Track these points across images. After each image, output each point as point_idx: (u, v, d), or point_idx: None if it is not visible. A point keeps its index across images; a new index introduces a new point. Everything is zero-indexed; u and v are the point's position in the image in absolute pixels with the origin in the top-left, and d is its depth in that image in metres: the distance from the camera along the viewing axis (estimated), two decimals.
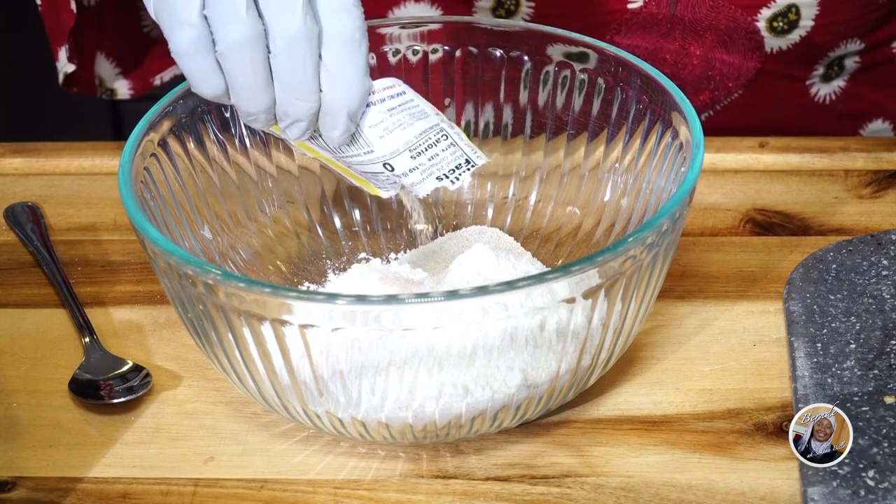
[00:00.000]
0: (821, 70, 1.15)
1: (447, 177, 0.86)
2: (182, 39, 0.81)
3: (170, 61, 1.17)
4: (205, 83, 0.83)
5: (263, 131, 0.87)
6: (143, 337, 0.94)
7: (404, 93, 0.87)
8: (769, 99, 1.16)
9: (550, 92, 0.97)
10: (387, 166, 0.86)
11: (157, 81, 1.20)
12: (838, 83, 1.16)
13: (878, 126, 1.20)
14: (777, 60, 1.13)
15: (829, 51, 1.14)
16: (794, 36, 1.12)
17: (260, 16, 0.80)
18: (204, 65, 0.82)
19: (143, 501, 0.83)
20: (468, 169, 0.87)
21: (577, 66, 0.95)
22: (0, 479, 0.85)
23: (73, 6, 1.10)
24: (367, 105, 0.85)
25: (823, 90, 1.16)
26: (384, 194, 0.89)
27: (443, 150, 0.86)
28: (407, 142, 0.86)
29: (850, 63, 1.16)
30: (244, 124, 0.95)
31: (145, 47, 1.19)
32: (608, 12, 1.10)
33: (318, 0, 0.81)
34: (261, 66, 0.81)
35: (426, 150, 0.86)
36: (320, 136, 0.86)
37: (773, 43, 1.12)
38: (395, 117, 0.86)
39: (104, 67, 1.18)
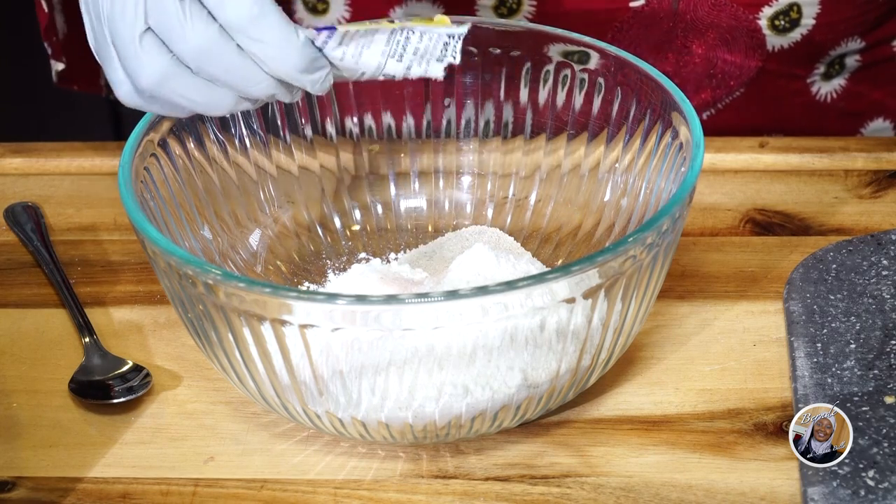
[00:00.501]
0: (822, 68, 1.15)
1: (443, 59, 0.85)
2: (120, 94, 0.83)
3: None
4: (171, 114, 0.85)
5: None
6: (143, 337, 0.94)
7: (335, 27, 0.85)
8: (771, 97, 1.16)
9: (550, 92, 0.97)
10: (384, 75, 0.85)
11: None
12: (839, 81, 1.16)
13: (878, 125, 1.20)
14: (779, 59, 1.13)
15: (831, 49, 1.14)
16: (796, 34, 1.12)
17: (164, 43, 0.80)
18: (153, 106, 0.83)
19: (143, 501, 0.83)
20: (458, 40, 0.85)
21: (577, 66, 0.95)
22: (0, 479, 0.85)
23: (45, 6, 1.10)
24: (321, 49, 0.83)
25: (824, 88, 1.16)
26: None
27: (419, 42, 0.85)
28: (382, 52, 0.84)
29: (851, 61, 1.16)
30: (244, 124, 0.95)
31: None
32: (610, 10, 1.10)
33: (204, 1, 0.80)
34: (193, 90, 0.81)
35: (405, 48, 0.85)
36: None
37: (774, 41, 1.12)
38: (353, 46, 0.84)
39: None
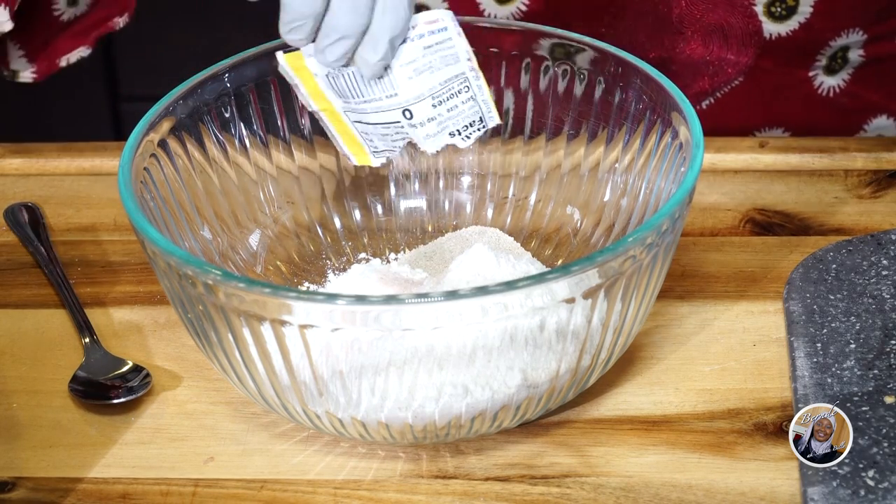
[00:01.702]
0: (824, 61, 1.15)
1: (460, 133, 0.84)
2: None
3: (78, 42, 1.16)
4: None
5: (286, 80, 0.86)
6: (143, 337, 0.94)
7: (446, 29, 0.84)
8: (771, 90, 1.15)
9: (550, 92, 0.97)
10: (406, 113, 0.84)
11: (63, 62, 1.18)
12: (843, 76, 1.16)
13: (881, 122, 1.19)
14: (777, 48, 1.13)
15: (831, 40, 1.13)
16: (793, 22, 1.11)
17: None
18: None
19: (143, 501, 0.83)
20: (480, 129, 0.85)
21: (577, 66, 0.95)
22: (0, 480, 0.85)
23: None
24: (405, 40, 0.83)
25: (828, 83, 1.16)
26: (375, 162, 0.88)
27: (462, 103, 0.84)
28: (432, 88, 0.83)
29: (855, 56, 1.15)
30: (244, 124, 0.95)
31: (55, 32, 1.18)
32: None
33: None
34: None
35: (447, 99, 0.84)
36: (342, 74, 0.84)
37: (771, 29, 1.11)
38: (428, 58, 0.83)
39: (12, 51, 1.17)
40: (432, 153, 0.87)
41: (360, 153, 0.88)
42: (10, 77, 1.17)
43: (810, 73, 1.15)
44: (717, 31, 1.11)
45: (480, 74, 0.85)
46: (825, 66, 1.15)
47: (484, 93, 0.86)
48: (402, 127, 0.85)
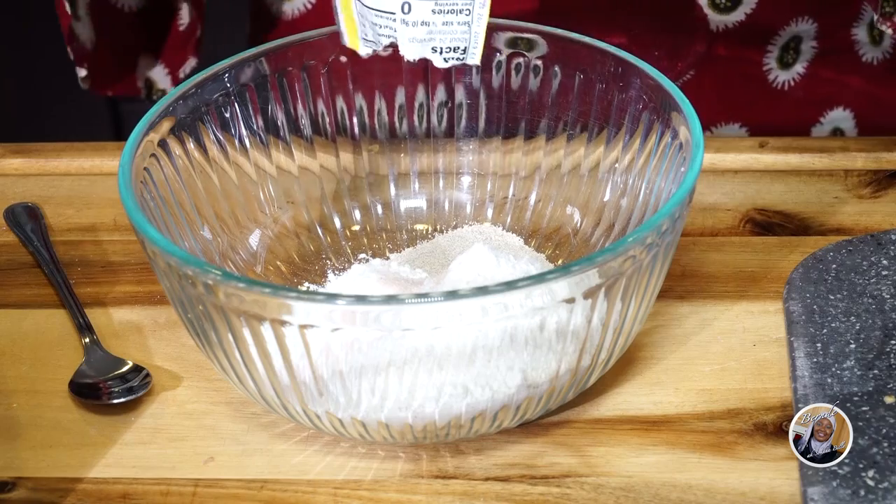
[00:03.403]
0: (776, 52, 1.14)
1: (441, 52, 0.83)
2: None
3: (187, 54, 1.18)
4: None
5: None
6: (143, 337, 0.94)
7: None
8: (724, 84, 1.15)
9: (550, 92, 0.97)
10: (405, 7, 0.82)
11: (181, 75, 1.20)
12: (797, 69, 1.16)
13: (838, 114, 1.19)
14: (725, 40, 1.12)
15: (780, 29, 1.13)
16: (739, 14, 1.11)
17: None
18: None
19: (143, 502, 0.83)
20: (460, 58, 0.84)
21: (577, 66, 0.95)
22: (0, 480, 0.85)
23: (68, 7, 1.10)
24: None
25: (782, 77, 1.16)
26: (362, 49, 0.87)
27: (458, 23, 0.83)
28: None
29: (808, 48, 1.15)
30: (244, 124, 0.95)
31: (181, 44, 1.19)
32: None
33: None
34: None
35: (447, 12, 0.82)
36: None
37: (717, 20, 1.11)
38: None
39: (156, 70, 1.18)
40: (409, 60, 0.86)
41: (353, 36, 0.86)
42: (160, 96, 1.18)
43: (764, 68, 1.15)
44: (661, 24, 1.11)
45: (487, 5, 0.84)
46: (778, 58, 1.15)
47: (481, 25, 0.84)
48: (394, 20, 0.83)
